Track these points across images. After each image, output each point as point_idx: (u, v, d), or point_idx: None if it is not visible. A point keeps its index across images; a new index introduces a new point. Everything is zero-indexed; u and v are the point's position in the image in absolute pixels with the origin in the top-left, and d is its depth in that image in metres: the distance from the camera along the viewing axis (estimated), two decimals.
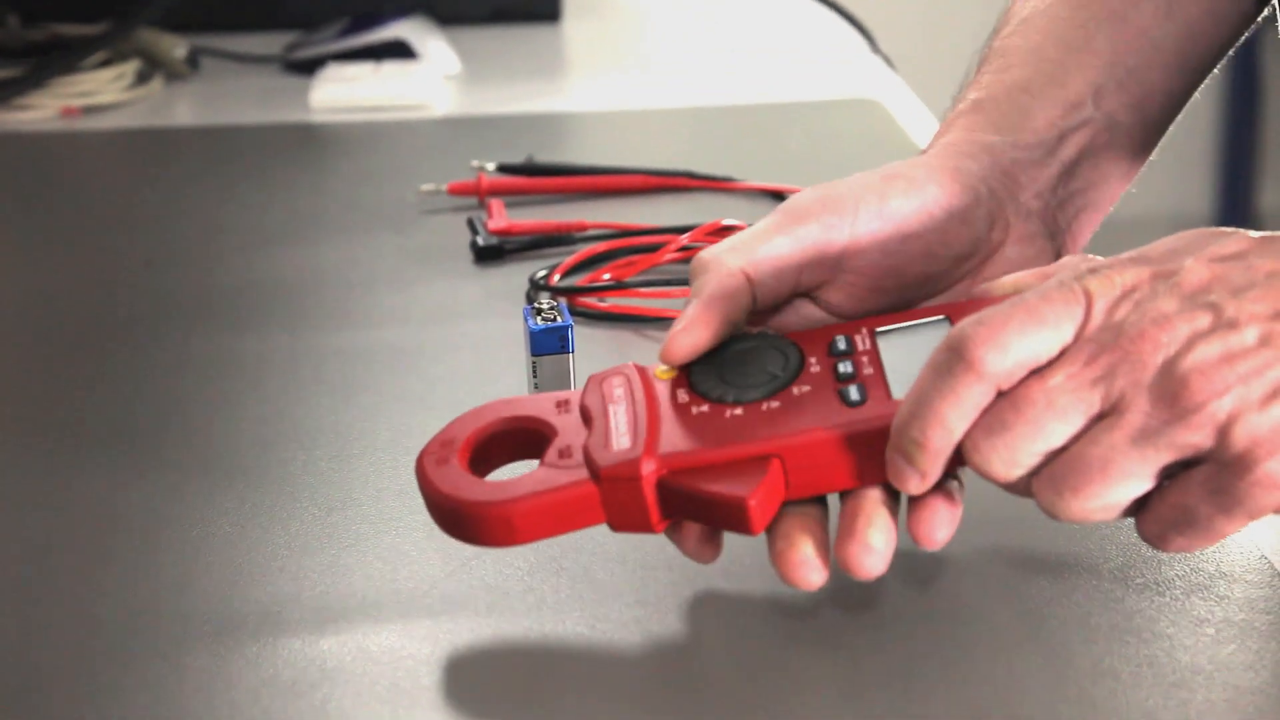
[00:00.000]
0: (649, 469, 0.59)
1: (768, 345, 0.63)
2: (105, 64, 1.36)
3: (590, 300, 0.91)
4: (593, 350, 0.85)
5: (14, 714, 0.59)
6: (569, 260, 0.94)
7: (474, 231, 1.01)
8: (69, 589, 0.66)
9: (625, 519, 0.59)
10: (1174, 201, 3.36)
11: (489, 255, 0.99)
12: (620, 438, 0.60)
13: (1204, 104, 3.77)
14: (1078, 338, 0.56)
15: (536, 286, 0.93)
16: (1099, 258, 0.58)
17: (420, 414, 0.80)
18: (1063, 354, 0.56)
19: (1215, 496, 0.55)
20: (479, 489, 0.60)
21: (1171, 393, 0.54)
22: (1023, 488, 0.57)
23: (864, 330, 0.63)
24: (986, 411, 0.56)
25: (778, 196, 1.08)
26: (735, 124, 1.29)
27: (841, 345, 0.62)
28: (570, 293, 0.91)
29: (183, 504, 0.73)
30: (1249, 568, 0.64)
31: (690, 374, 0.62)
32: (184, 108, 1.39)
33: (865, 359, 0.61)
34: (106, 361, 0.88)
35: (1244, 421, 0.54)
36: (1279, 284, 0.56)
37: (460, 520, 0.60)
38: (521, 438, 0.62)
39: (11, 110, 1.32)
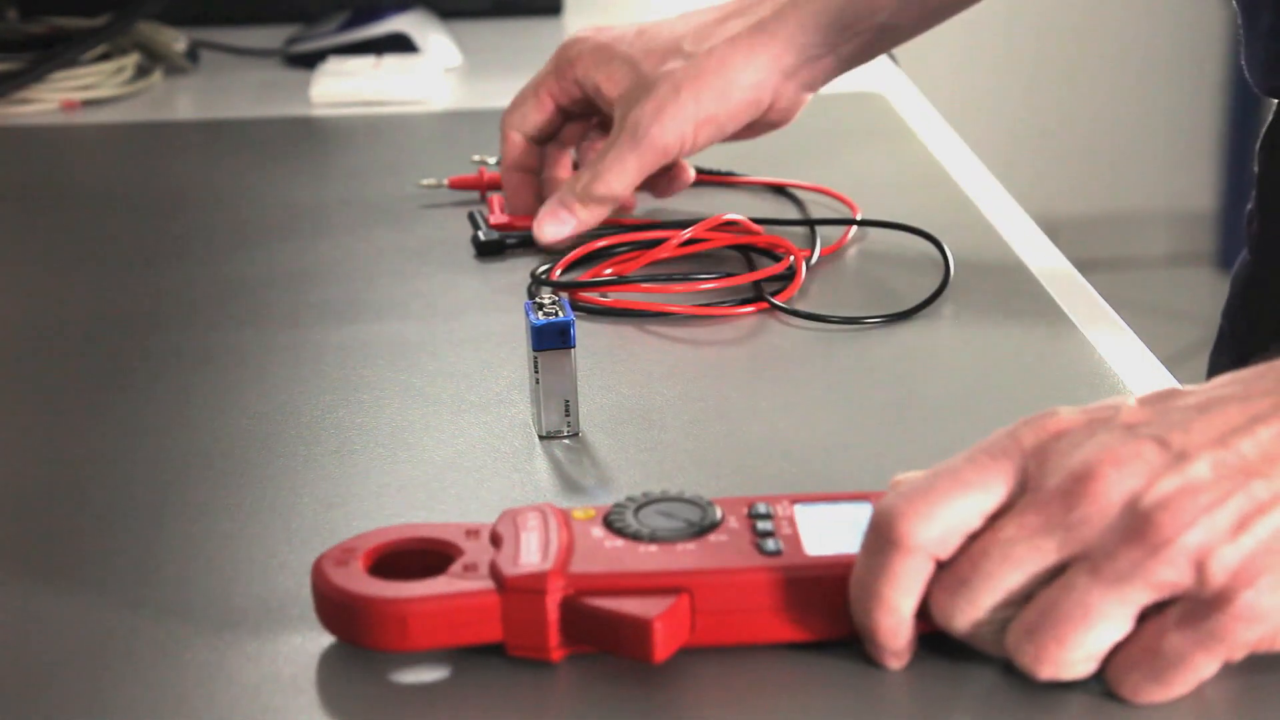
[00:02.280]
0: (556, 584, 0.58)
1: (688, 502, 0.63)
2: (105, 57, 1.36)
3: (592, 295, 0.90)
4: (594, 345, 0.85)
5: (14, 709, 0.59)
6: (571, 255, 0.94)
7: (475, 226, 1.01)
8: (69, 584, 0.66)
9: (523, 637, 0.59)
10: (1177, 198, 3.36)
11: (490, 250, 0.98)
12: (530, 555, 0.60)
13: (1207, 99, 3.76)
14: (1024, 487, 0.56)
15: (538, 281, 0.92)
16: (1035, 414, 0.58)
17: (421, 409, 0.80)
18: (1010, 504, 0.56)
19: (1194, 634, 0.54)
20: (375, 587, 0.59)
21: (1139, 530, 0.54)
22: (993, 644, 0.57)
23: (784, 501, 0.63)
24: (944, 571, 0.56)
25: (781, 191, 1.08)
26: None
27: (761, 509, 0.63)
28: (572, 287, 0.91)
29: (182, 500, 0.73)
30: None
31: (607, 516, 0.62)
32: (184, 101, 1.38)
33: (784, 523, 0.62)
34: (105, 356, 0.88)
35: (1217, 555, 0.53)
36: (1212, 413, 0.56)
37: (353, 618, 0.59)
38: (426, 559, 0.61)
39: (11, 104, 1.32)
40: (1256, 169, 1.01)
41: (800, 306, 0.89)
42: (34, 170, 1.23)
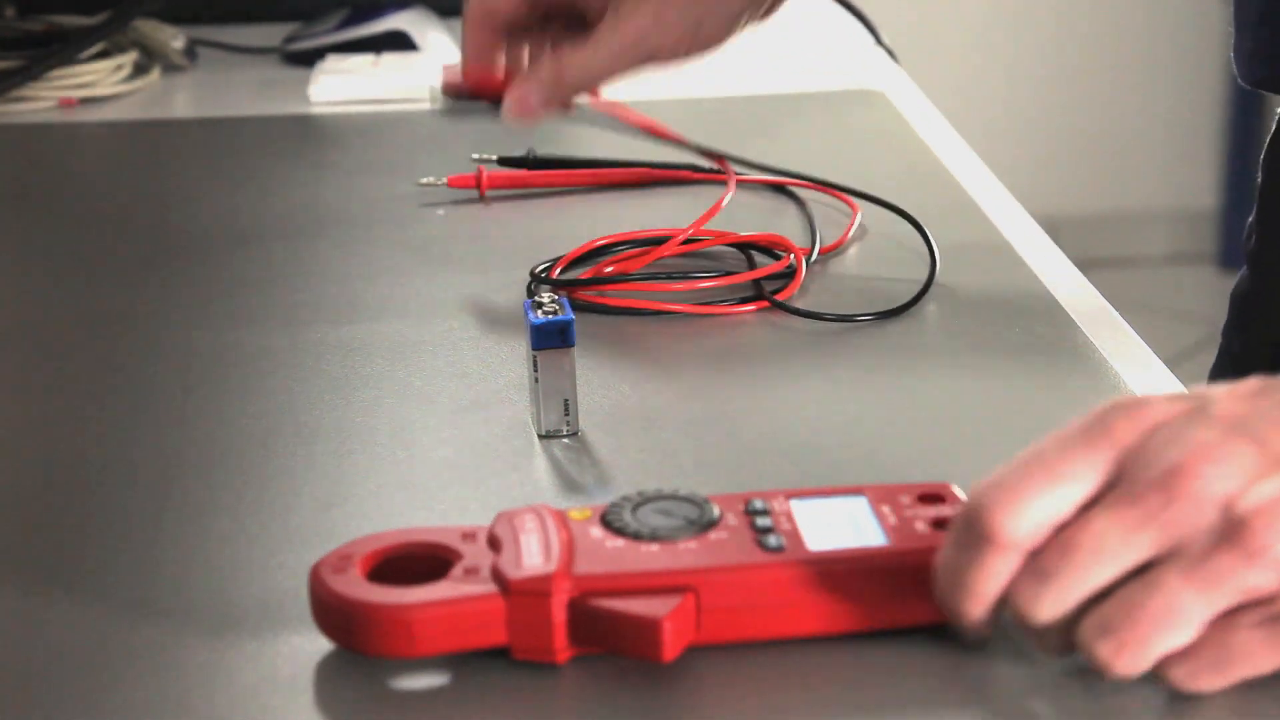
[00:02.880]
0: (562, 586, 0.58)
1: (684, 500, 0.63)
2: (103, 55, 1.35)
3: (592, 294, 0.90)
4: (594, 344, 0.85)
5: (12, 707, 0.59)
6: (571, 253, 0.94)
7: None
8: (67, 584, 0.66)
9: (529, 640, 0.58)
10: (1178, 197, 3.36)
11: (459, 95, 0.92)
12: (532, 557, 0.59)
13: (1208, 97, 3.75)
14: (1117, 478, 0.55)
15: (538, 280, 0.92)
16: (1123, 398, 0.57)
17: (420, 408, 0.80)
18: (1100, 494, 0.55)
19: (1271, 636, 0.54)
20: (377, 594, 0.59)
21: (1234, 535, 0.53)
22: (1058, 638, 0.56)
23: (780, 497, 0.63)
24: (1031, 558, 0.55)
25: (780, 189, 1.08)
26: (738, 115, 1.29)
27: (758, 505, 0.62)
28: (571, 286, 0.91)
29: (181, 499, 0.73)
30: None
31: (605, 515, 0.62)
32: (182, 99, 1.38)
33: (783, 518, 0.62)
34: (102, 354, 0.88)
35: None
36: None
37: (355, 626, 0.58)
38: (424, 563, 0.61)
39: (8, 102, 1.31)
40: (1260, 179, 1.00)
41: (800, 305, 0.89)
42: (31, 168, 1.23)
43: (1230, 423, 0.55)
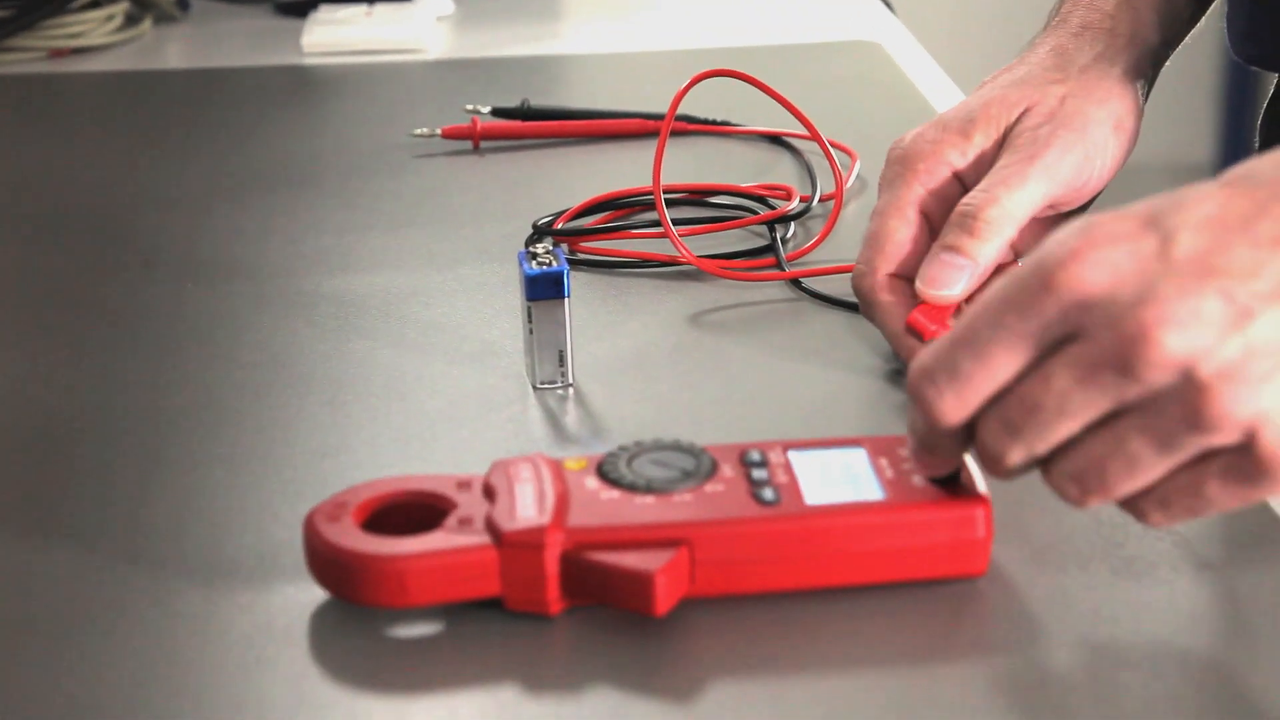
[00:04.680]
0: (555, 539, 0.58)
1: (681, 450, 0.63)
2: (94, 5, 1.34)
3: (591, 245, 0.90)
4: (591, 297, 0.85)
5: (6, 658, 0.59)
6: (573, 208, 0.93)
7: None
8: (62, 535, 0.66)
9: (521, 592, 0.58)
10: (1174, 150, 3.35)
11: None
12: (526, 509, 0.59)
13: (1204, 51, 3.73)
14: (1076, 328, 0.53)
15: (538, 230, 0.92)
16: (1065, 232, 0.54)
17: (415, 359, 0.80)
18: (1063, 345, 0.54)
19: (1238, 488, 0.54)
20: (371, 544, 0.59)
21: (1196, 400, 0.52)
22: (1020, 470, 0.56)
23: (778, 448, 0.63)
24: (992, 414, 0.55)
25: (776, 140, 1.07)
26: (733, 66, 1.28)
27: (755, 457, 0.62)
28: (570, 235, 0.90)
29: (175, 450, 0.73)
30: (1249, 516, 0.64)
31: (601, 466, 0.62)
32: (174, 50, 1.37)
33: (780, 470, 0.61)
34: (95, 306, 0.88)
35: (1271, 425, 0.52)
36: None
37: (348, 575, 0.59)
38: (418, 512, 0.61)
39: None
40: (1258, 146, 1.00)
41: (806, 255, 0.89)
42: (22, 119, 1.22)
43: (1194, 266, 0.52)
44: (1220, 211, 0.54)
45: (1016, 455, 0.55)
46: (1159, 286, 0.52)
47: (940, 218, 0.75)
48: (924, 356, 0.56)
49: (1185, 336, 0.52)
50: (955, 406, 0.55)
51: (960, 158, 0.76)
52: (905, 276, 0.74)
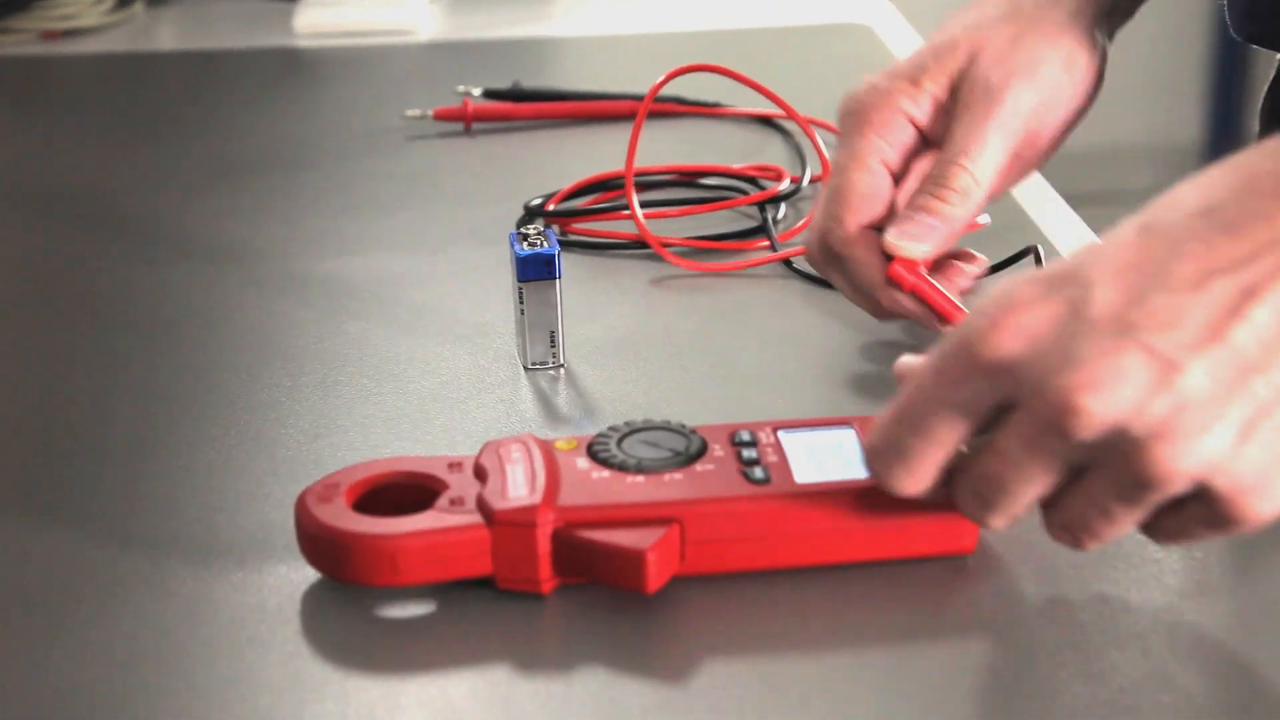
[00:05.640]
0: (546, 518, 0.58)
1: (670, 430, 0.63)
2: None
3: (582, 227, 0.90)
4: (581, 276, 0.85)
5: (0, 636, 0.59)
6: (564, 190, 0.94)
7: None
8: (54, 514, 0.66)
9: (513, 570, 0.59)
10: (1161, 130, 3.36)
11: None
12: (518, 488, 0.60)
13: (1192, 30, 3.72)
14: (1011, 395, 0.53)
15: (530, 212, 0.92)
16: (984, 304, 0.54)
17: (406, 340, 0.80)
18: (1005, 410, 0.54)
19: (1213, 528, 0.54)
20: (363, 524, 0.59)
21: (1139, 461, 0.52)
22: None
23: (767, 428, 0.63)
24: (963, 482, 0.56)
25: (767, 123, 1.07)
26: (725, 49, 1.28)
27: (745, 437, 0.63)
28: (561, 216, 0.91)
29: (168, 430, 0.73)
30: None
31: (591, 446, 0.62)
32: (166, 31, 1.37)
33: (770, 450, 0.62)
34: (88, 288, 0.88)
35: (1222, 472, 0.52)
36: (1202, 292, 0.51)
37: (342, 555, 0.59)
38: (410, 493, 0.61)
39: None
40: (1259, 129, 0.99)
41: (795, 232, 0.89)
42: (14, 101, 1.22)
43: (1111, 323, 0.51)
44: (1135, 258, 0.53)
45: (998, 521, 0.56)
46: (1079, 349, 0.52)
47: (900, 166, 0.75)
48: (872, 437, 0.57)
49: (1111, 399, 0.51)
50: (912, 481, 0.56)
51: (913, 105, 0.75)
52: (874, 227, 0.74)
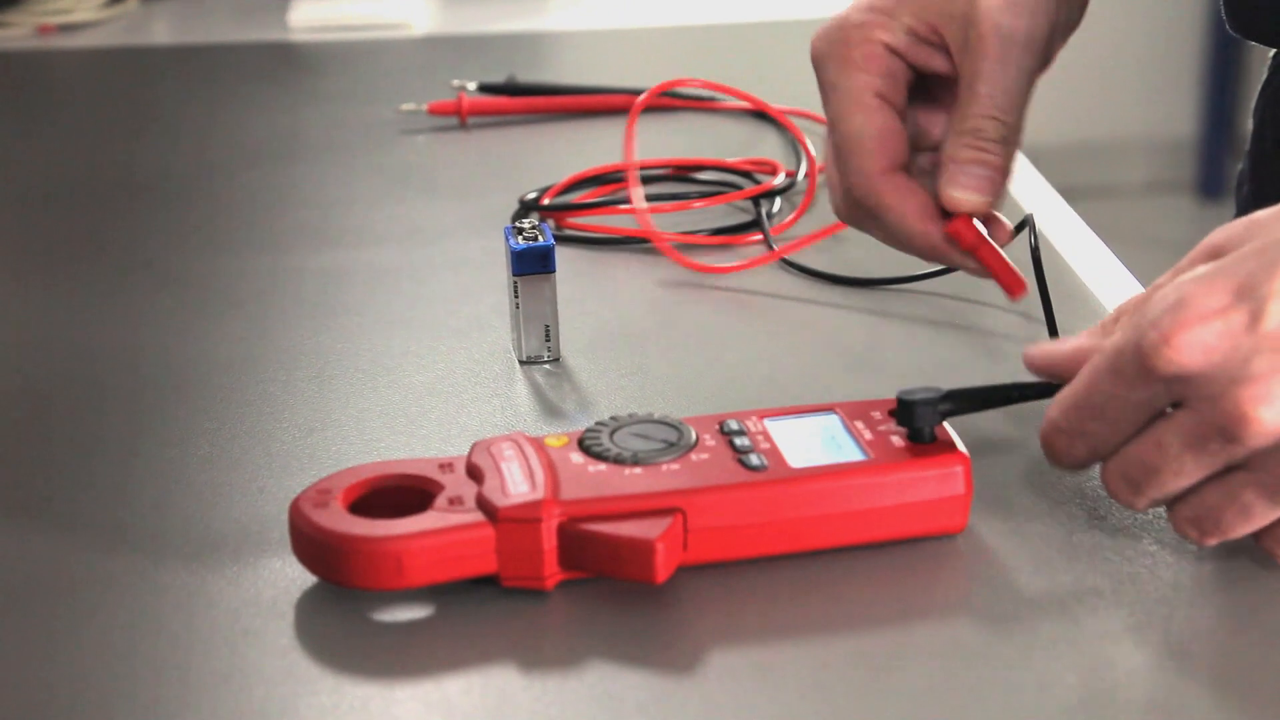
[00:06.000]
0: (551, 512, 0.58)
1: (659, 423, 0.63)
2: None
3: (577, 221, 0.90)
4: (576, 270, 0.85)
5: None
6: (559, 184, 0.94)
7: None
8: (47, 508, 0.66)
9: (518, 567, 0.59)
10: (1157, 126, 3.36)
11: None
12: (518, 485, 0.59)
13: (1187, 24, 3.72)
14: (1181, 398, 0.57)
15: (525, 206, 0.92)
16: (1158, 310, 0.57)
17: (401, 334, 0.80)
18: (1173, 413, 0.57)
19: None
20: (364, 527, 0.59)
21: None
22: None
23: (753, 417, 0.64)
24: (1114, 468, 0.60)
25: (762, 116, 1.07)
26: (719, 43, 1.28)
27: (733, 426, 0.63)
28: (556, 210, 0.91)
29: (162, 424, 0.73)
30: None
31: (583, 441, 0.62)
32: (161, 26, 1.37)
33: (760, 437, 0.62)
34: (82, 280, 0.88)
35: None
36: None
37: (342, 559, 0.58)
38: (402, 495, 0.61)
39: None
40: (1252, 127, 0.99)
41: (791, 227, 0.89)
42: (9, 95, 1.22)
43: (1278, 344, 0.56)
44: None
45: (1141, 503, 0.60)
46: (1253, 364, 0.56)
47: (896, 98, 0.71)
48: (1054, 416, 0.60)
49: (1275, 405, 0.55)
50: (1083, 458, 0.60)
51: (890, 35, 0.71)
52: (899, 168, 0.71)
